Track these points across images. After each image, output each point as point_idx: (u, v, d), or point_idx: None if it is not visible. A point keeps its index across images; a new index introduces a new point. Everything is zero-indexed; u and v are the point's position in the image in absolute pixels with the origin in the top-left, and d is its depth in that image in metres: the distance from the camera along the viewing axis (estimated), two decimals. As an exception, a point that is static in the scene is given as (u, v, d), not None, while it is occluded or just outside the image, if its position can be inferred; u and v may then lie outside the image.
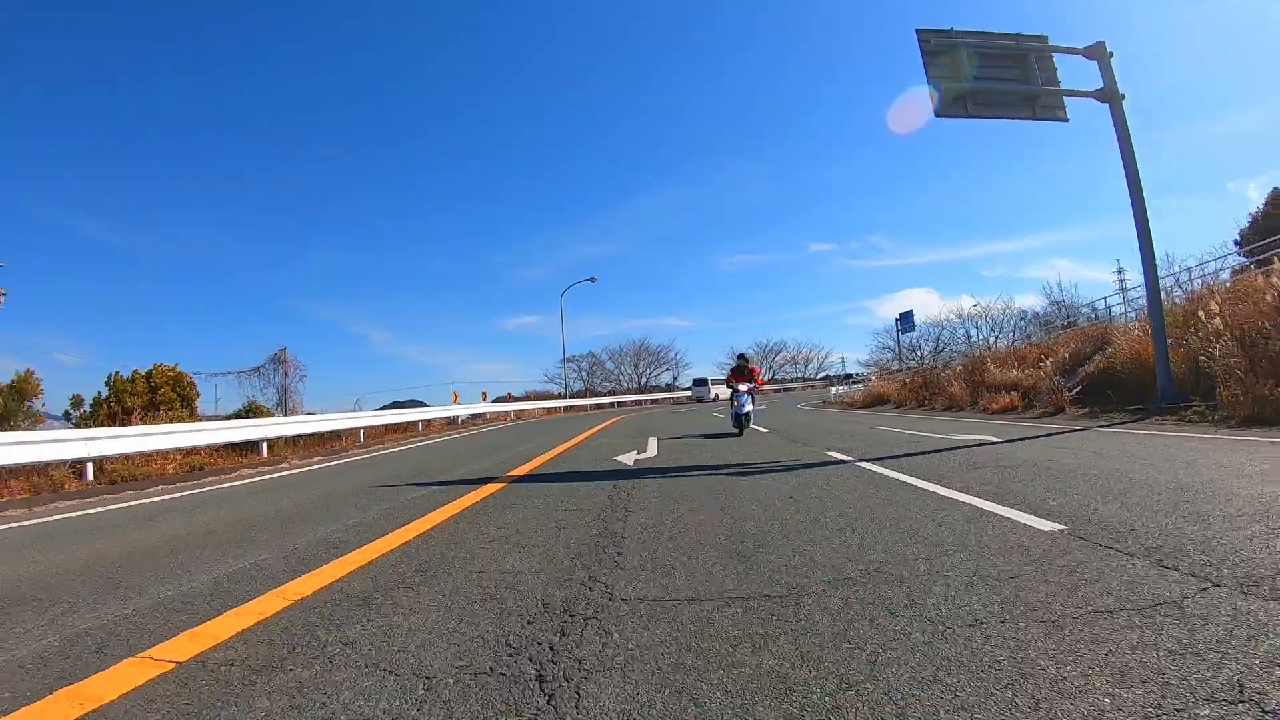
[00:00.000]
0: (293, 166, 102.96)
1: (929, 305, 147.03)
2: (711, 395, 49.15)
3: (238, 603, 2.95)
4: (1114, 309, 26.67)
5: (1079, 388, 14.12)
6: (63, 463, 9.31)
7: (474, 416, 28.83)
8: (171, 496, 7.88)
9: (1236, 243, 29.09)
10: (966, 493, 4.61)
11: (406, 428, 20.87)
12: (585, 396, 52.65)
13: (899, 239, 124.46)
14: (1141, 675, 1.70)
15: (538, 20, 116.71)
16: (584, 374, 68.13)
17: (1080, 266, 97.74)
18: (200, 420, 16.35)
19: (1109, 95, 12.02)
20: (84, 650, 2.52)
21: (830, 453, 7.97)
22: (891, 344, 44.69)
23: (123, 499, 7.87)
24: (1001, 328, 43.62)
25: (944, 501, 4.40)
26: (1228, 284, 13.86)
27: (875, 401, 25.48)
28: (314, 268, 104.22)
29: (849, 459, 7.16)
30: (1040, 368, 15.61)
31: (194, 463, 10.44)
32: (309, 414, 18.14)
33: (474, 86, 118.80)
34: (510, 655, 2.12)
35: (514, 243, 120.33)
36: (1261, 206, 30.91)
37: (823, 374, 79.27)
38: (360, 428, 17.47)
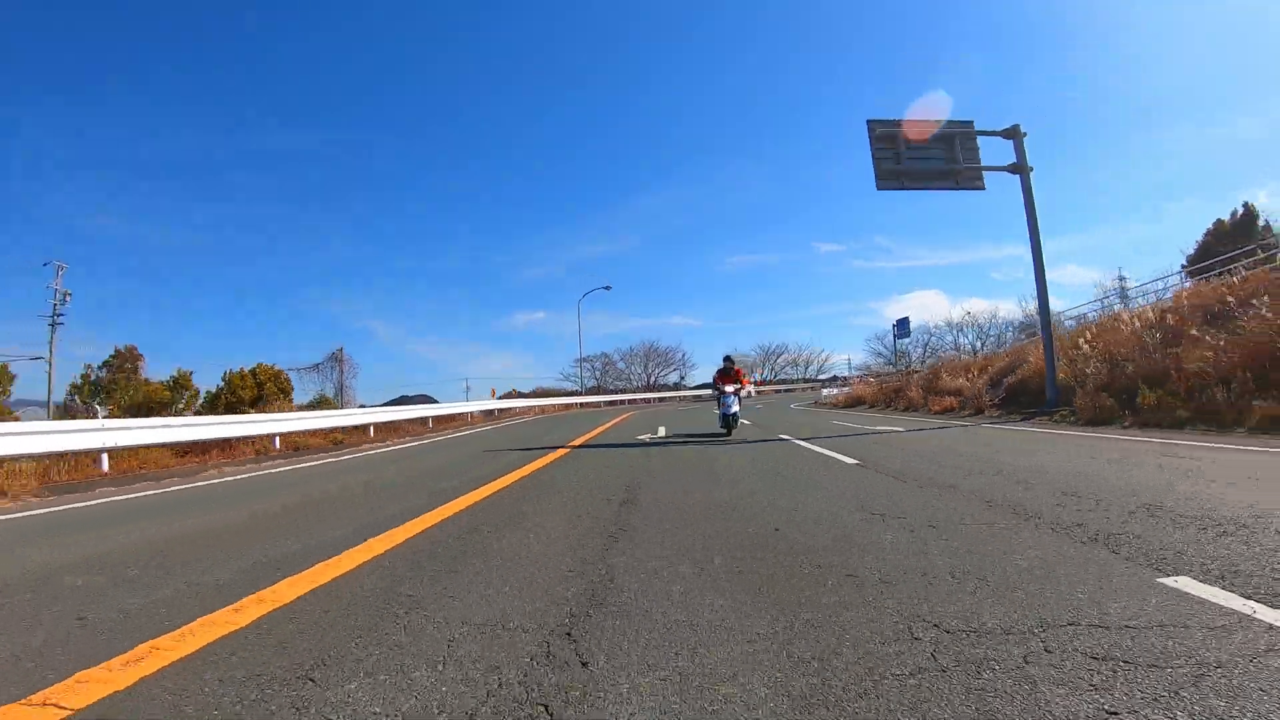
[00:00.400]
0: (293, 165, 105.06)
1: (937, 307, 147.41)
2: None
3: (424, 511, 6.38)
4: (1066, 322, 29.96)
5: (1003, 395, 17.46)
6: (257, 437, 12.87)
7: (503, 410, 32.36)
8: (335, 459, 11.43)
9: (1183, 266, 32.18)
10: (837, 452, 8.13)
11: (457, 418, 24.52)
12: (598, 394, 56.33)
13: (907, 241, 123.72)
14: (876, 506, 5.11)
15: (538, 21, 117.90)
16: (597, 373, 71.84)
17: (1087, 270, 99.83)
18: (295, 410, 20.00)
19: (1019, 169, 15.39)
20: (288, 562, 3.78)
21: (781, 435, 11.49)
22: (882, 348, 47.67)
23: (298, 462, 11.39)
24: (987, 335, 46.69)
25: (821, 456, 7.93)
26: (1098, 320, 17.32)
27: (855, 402, 28.76)
28: (319, 263, 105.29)
29: (789, 439, 10.62)
30: (975, 379, 18.96)
31: (336, 438, 14.07)
32: (386, 405, 21.81)
33: (475, 87, 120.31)
34: (605, 515, 5.52)
35: (515, 242, 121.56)
36: (1200, 239, 33.80)
37: (823, 375, 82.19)
38: (430, 416, 21.39)
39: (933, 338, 44.23)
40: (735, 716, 1.69)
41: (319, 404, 24.33)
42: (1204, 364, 10.50)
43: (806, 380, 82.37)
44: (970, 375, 20.71)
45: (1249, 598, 2.37)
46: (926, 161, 15.04)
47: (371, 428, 17.14)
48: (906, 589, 2.65)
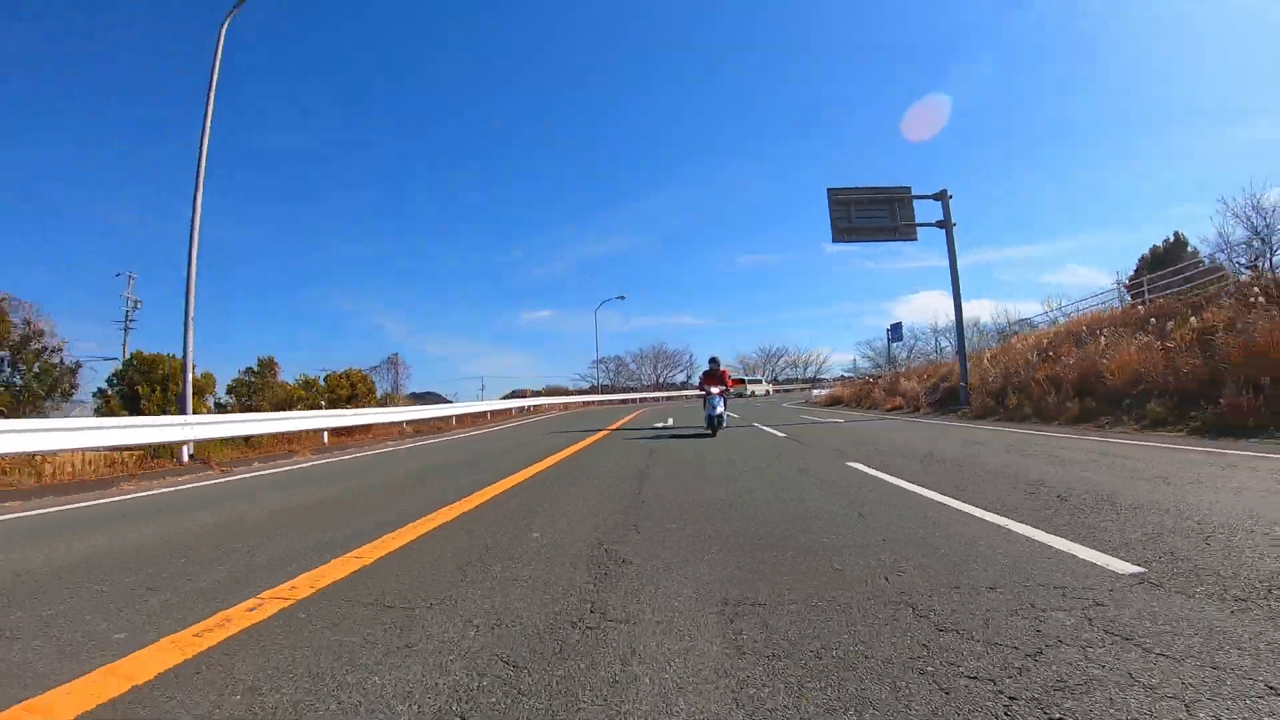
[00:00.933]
0: (293, 166, 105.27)
1: (946, 308, 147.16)
2: (749, 392, 54.48)
3: (504, 475, 10.47)
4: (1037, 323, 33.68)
5: (939, 396, 21.45)
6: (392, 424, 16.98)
7: (535, 407, 36.54)
8: (438, 440, 15.51)
9: (1121, 282, 35.59)
10: (780, 432, 12.14)
11: (506, 412, 28.73)
12: (611, 392, 60.73)
13: (918, 242, 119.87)
14: (776, 454, 9.15)
15: (540, 23, 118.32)
16: (610, 373, 76.15)
17: (1091, 271, 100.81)
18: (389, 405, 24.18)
19: (945, 225, 19.40)
20: (389, 522, 7.30)
21: (754, 424, 15.43)
22: (870, 351, 50.99)
23: (418, 441, 15.53)
24: (970, 339, 49.38)
25: (772, 436, 11.90)
26: (999, 343, 21.45)
27: (834, 401, 32.64)
28: (331, 259, 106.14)
29: (759, 426, 14.59)
30: (920, 383, 22.94)
31: (436, 426, 18.25)
32: (465, 401, 26.16)
33: (477, 87, 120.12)
34: (631, 476, 9.58)
35: (521, 241, 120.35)
36: (1135, 267, 37.22)
37: (823, 375, 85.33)
38: (488, 410, 25.65)
39: (919, 342, 46.94)
40: (691, 548, 5.70)
41: (385, 401, 28.29)
42: (1049, 376, 14.52)
43: (805, 381, 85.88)
44: (920, 379, 24.72)
45: (932, 488, 6.40)
46: (871, 220, 19.07)
47: (454, 418, 21.42)
48: (775, 489, 6.65)
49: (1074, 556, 3.07)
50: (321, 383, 24.60)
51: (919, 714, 1.67)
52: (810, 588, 2.75)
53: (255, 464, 10.38)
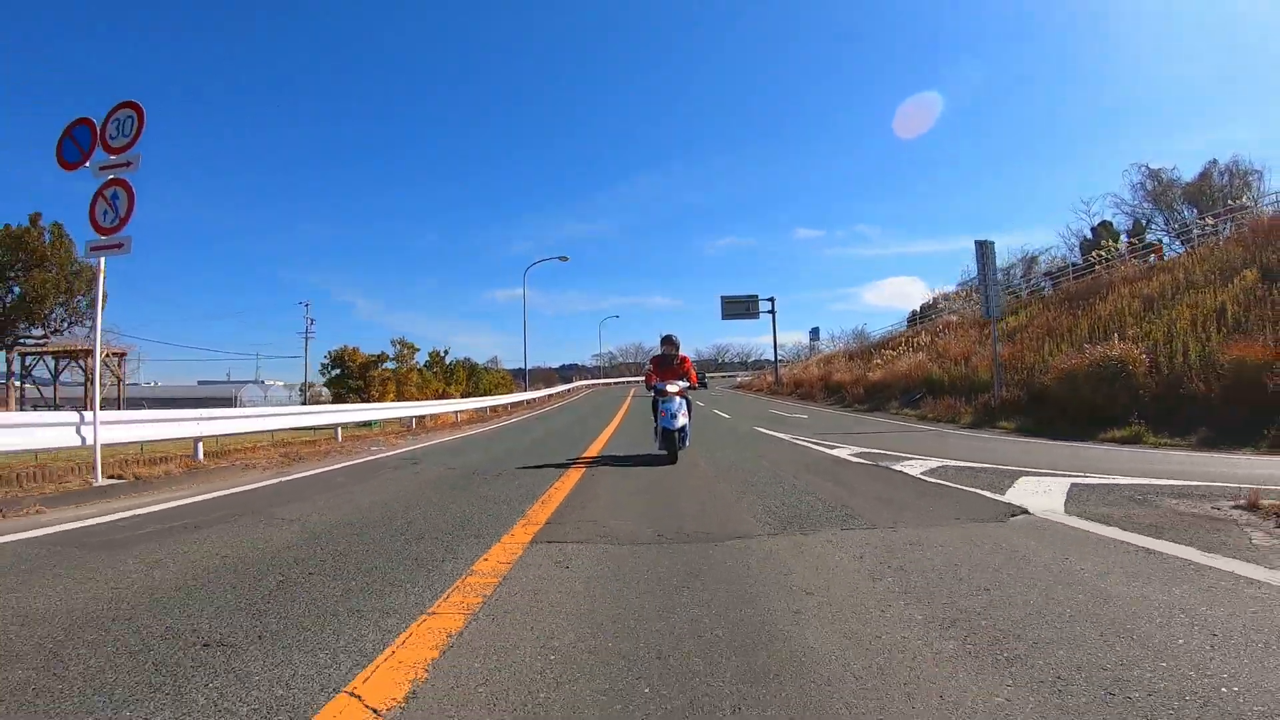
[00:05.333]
0: (277, 142, 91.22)
1: (914, 293, 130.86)
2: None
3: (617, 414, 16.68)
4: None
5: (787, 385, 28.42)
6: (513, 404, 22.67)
7: (572, 389, 42.34)
8: (517, 420, 21.40)
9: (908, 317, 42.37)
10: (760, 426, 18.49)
11: (559, 394, 34.38)
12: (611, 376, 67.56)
13: (889, 229, 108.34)
14: (711, 430, 15.55)
15: (533, 8, 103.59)
16: (604, 363, 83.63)
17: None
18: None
19: (771, 311, 26.39)
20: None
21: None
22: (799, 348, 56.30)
23: (519, 415, 21.43)
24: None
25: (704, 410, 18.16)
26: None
27: (741, 387, 39.23)
28: (301, 238, 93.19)
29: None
30: (793, 375, 29.85)
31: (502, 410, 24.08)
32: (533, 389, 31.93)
33: (459, 68, 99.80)
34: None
35: (497, 221, 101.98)
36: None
37: (756, 364, 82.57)
38: (536, 397, 30.64)
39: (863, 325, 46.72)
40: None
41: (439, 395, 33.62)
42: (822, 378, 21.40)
43: (745, 368, 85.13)
44: (802, 371, 31.64)
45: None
46: (737, 311, 26.63)
47: (509, 405, 27.07)
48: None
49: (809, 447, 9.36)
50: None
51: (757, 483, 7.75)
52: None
53: (463, 427, 16.27)
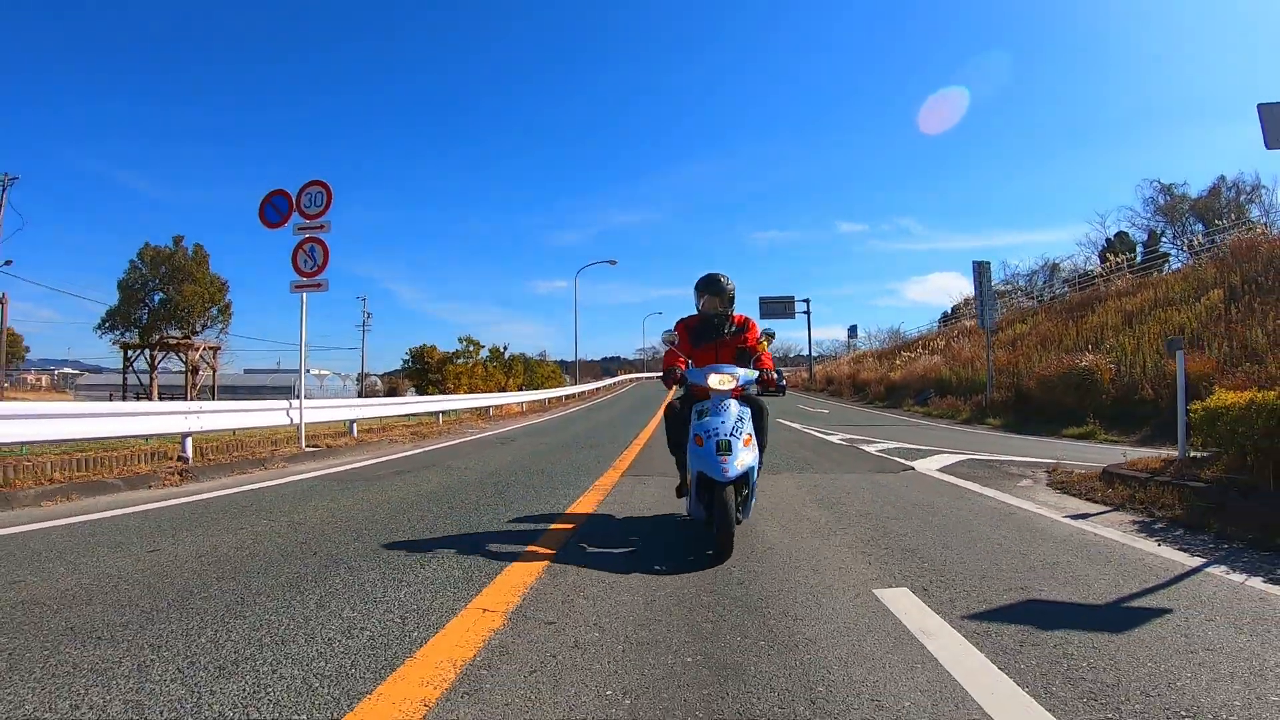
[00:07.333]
0: (332, 128, 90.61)
1: (956, 289, 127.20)
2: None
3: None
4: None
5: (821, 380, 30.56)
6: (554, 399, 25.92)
7: (618, 383, 45.37)
8: (573, 410, 24.47)
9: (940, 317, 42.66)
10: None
11: (604, 387, 37.55)
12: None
13: (931, 224, 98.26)
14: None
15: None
16: (647, 357, 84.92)
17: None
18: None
19: (806, 311, 28.63)
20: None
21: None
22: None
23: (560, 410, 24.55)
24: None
25: None
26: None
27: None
28: (352, 224, 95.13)
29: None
30: (828, 373, 32.01)
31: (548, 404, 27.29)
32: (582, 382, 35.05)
33: (511, 60, 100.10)
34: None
35: (542, 213, 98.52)
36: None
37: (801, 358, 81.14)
38: (585, 391, 33.56)
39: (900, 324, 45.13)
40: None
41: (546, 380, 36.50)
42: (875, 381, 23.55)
43: (784, 364, 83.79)
44: (835, 368, 33.68)
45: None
46: (776, 311, 28.74)
47: (564, 396, 30.22)
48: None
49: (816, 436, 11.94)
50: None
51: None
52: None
53: (515, 419, 19.40)
